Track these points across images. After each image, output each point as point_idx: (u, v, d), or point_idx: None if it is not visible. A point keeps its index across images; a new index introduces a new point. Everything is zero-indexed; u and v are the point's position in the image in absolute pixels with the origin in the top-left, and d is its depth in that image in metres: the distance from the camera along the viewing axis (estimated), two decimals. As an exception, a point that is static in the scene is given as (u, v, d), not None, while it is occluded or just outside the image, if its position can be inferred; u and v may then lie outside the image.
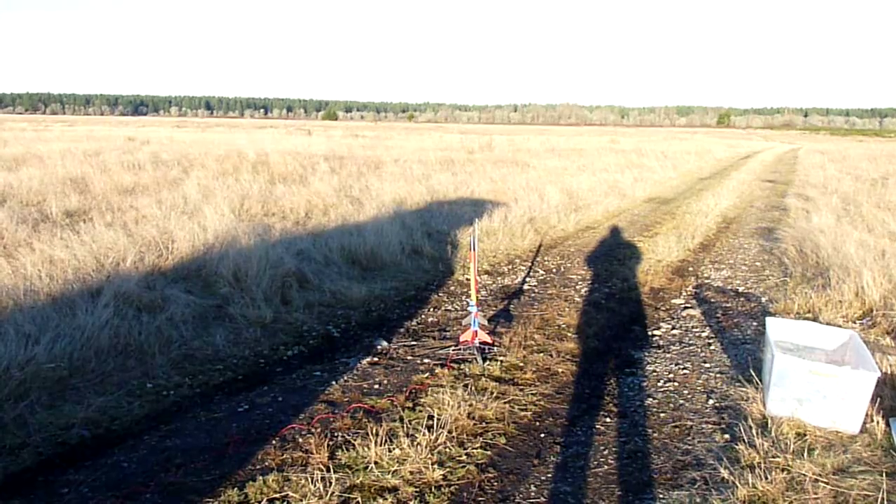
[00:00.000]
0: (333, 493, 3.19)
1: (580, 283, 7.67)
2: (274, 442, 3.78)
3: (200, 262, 6.78)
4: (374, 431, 3.74)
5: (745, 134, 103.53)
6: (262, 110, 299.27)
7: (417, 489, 3.29)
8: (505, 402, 4.33)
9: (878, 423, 3.85)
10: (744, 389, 4.43)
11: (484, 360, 5.04)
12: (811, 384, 3.90)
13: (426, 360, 5.14)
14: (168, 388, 4.49)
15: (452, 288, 7.32)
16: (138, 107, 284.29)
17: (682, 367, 5.12)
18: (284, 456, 3.61)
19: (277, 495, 3.19)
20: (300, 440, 3.80)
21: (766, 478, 3.27)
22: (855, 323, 5.77)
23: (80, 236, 7.32)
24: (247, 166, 16.57)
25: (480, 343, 5.07)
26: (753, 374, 4.57)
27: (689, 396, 4.56)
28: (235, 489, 3.24)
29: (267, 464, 3.53)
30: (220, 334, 5.33)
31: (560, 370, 5.01)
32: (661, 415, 4.29)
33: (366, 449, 3.60)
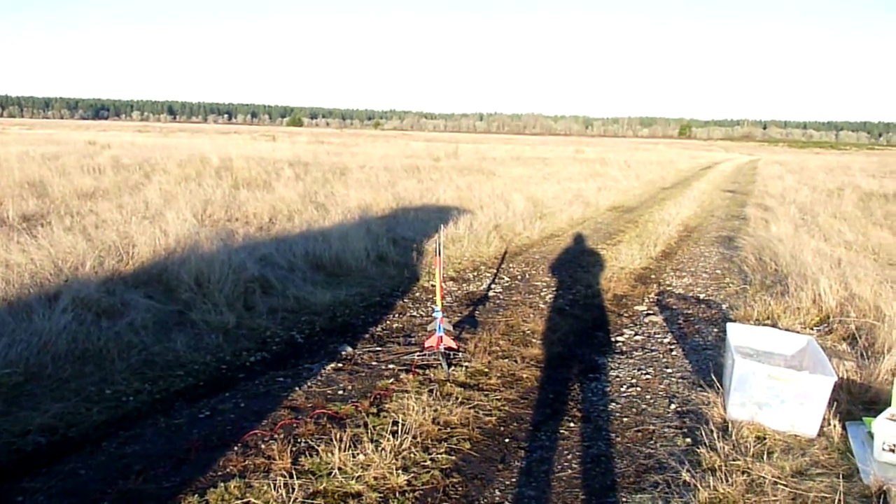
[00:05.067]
0: (296, 498, 3.15)
1: (545, 289, 7.71)
2: (236, 448, 3.73)
3: (162, 267, 6.67)
4: (338, 437, 3.71)
5: (706, 145, 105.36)
6: (225, 115, 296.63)
7: (381, 495, 3.27)
8: (470, 408, 4.32)
9: (834, 426, 3.93)
10: (705, 394, 4.49)
11: (449, 365, 5.04)
12: (770, 388, 3.97)
13: (391, 366, 5.12)
14: (127, 393, 4.40)
15: (418, 294, 7.31)
16: (99, 111, 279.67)
17: (644, 372, 5.17)
18: (246, 462, 3.56)
19: (239, 502, 3.14)
20: (263, 446, 3.75)
21: (727, 480, 3.31)
22: (812, 329, 5.89)
23: (38, 240, 7.16)
24: (210, 171, 16.38)
25: (445, 348, 5.07)
26: (714, 378, 4.63)
27: (652, 401, 4.60)
28: (196, 496, 3.18)
29: (229, 470, 3.48)
30: (182, 340, 5.25)
31: (525, 375, 5.03)
32: (624, 419, 4.33)
33: (329, 455, 3.57)
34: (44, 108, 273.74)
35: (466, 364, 5.14)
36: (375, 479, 3.38)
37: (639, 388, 4.84)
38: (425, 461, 3.62)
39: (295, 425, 4.01)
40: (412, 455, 3.66)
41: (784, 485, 3.31)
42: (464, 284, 7.86)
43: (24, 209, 10.08)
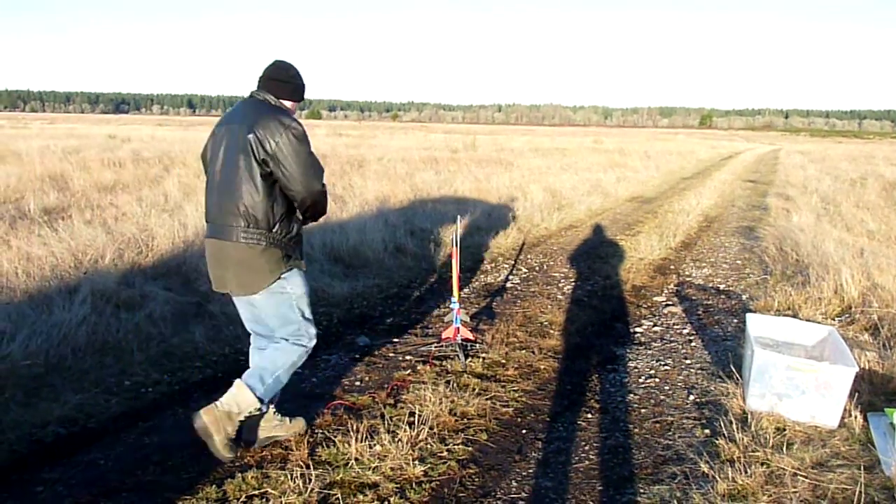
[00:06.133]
0: (313, 489, 3.16)
1: (563, 280, 7.68)
2: (253, 439, 3.74)
3: (180, 260, 6.71)
4: (354, 428, 3.72)
5: (726, 135, 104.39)
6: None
7: (398, 485, 3.27)
8: (487, 399, 4.32)
9: (856, 417, 3.88)
10: (724, 385, 4.44)
11: (466, 356, 5.03)
12: (791, 379, 3.92)
13: (408, 357, 5.12)
14: (146, 385, 4.44)
15: (435, 285, 7.30)
16: (119, 105, 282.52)
17: (663, 363, 5.13)
18: (264, 453, 3.58)
19: (256, 492, 3.16)
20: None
21: (746, 472, 3.28)
22: (834, 320, 5.81)
23: (59, 233, 7.22)
24: (229, 164, 16.41)
25: (462, 340, 5.06)
26: (734, 369, 4.58)
27: (671, 392, 4.57)
28: (214, 486, 3.20)
29: (246, 461, 3.50)
30: (200, 331, 5.28)
31: (542, 367, 5.01)
32: (643, 410, 4.30)
33: (346, 445, 3.58)
34: (65, 103, 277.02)
35: (483, 355, 5.13)
36: (392, 469, 3.39)
37: (657, 379, 4.81)
38: (442, 452, 3.62)
39: (312, 416, 4.02)
40: (429, 446, 3.66)
41: (804, 476, 3.28)
42: (481, 276, 7.85)
43: (45, 202, 10.17)
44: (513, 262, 8.54)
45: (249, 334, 5.39)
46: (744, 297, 6.95)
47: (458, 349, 5.04)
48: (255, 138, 3.27)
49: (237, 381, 3.47)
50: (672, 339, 5.72)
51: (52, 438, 3.70)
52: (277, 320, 3.55)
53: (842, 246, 7.97)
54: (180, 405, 4.20)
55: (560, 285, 7.47)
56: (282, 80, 3.53)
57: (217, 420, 3.34)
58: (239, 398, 3.41)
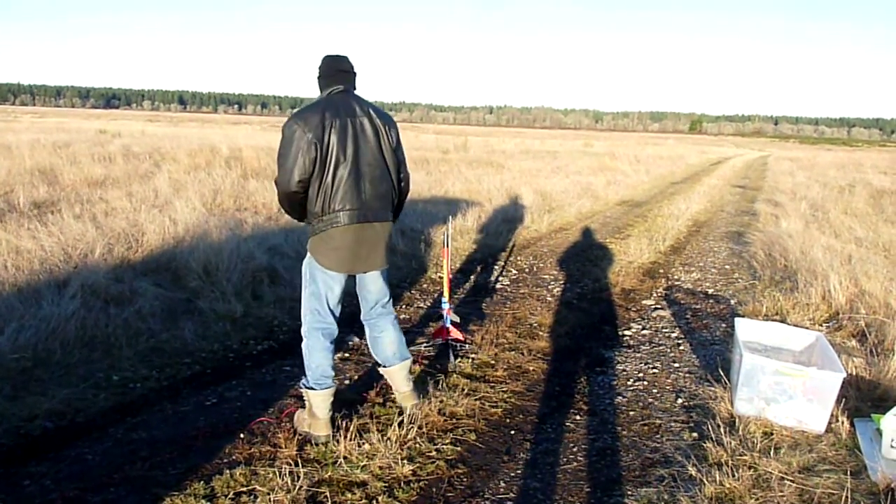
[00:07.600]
0: (301, 487, 3.16)
1: (552, 282, 7.70)
2: (242, 436, 3.73)
3: (170, 256, 6.69)
4: (343, 426, 3.72)
5: (716, 140, 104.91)
6: (235, 106, 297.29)
7: (386, 484, 3.27)
8: (476, 399, 4.32)
9: (843, 423, 3.90)
10: (712, 389, 4.47)
11: (455, 357, 5.03)
12: (778, 384, 3.95)
13: (398, 357, 5.11)
14: (135, 380, 4.42)
15: (425, 286, 7.30)
16: (110, 100, 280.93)
17: (651, 366, 5.15)
18: (252, 450, 3.57)
19: (244, 489, 3.15)
20: (268, 434, 3.76)
21: (734, 475, 3.30)
22: (822, 325, 5.85)
23: (48, 227, 7.18)
24: (219, 161, 16.36)
25: (452, 340, 5.06)
26: (722, 373, 4.61)
27: (659, 395, 4.59)
28: (202, 483, 3.19)
29: (234, 457, 3.49)
30: (189, 328, 5.26)
31: (531, 368, 5.02)
32: (631, 413, 4.32)
33: (335, 443, 3.58)
34: (55, 97, 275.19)
35: (473, 356, 5.14)
36: (381, 468, 3.39)
37: (646, 382, 4.83)
38: (430, 452, 3.62)
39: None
40: (417, 445, 3.66)
41: (791, 480, 3.30)
42: (471, 276, 7.85)
43: (35, 196, 10.11)
44: (503, 264, 8.55)
45: (239, 330, 5.41)
46: (732, 301, 6.99)
47: (448, 349, 5.04)
48: (389, 130, 3.76)
49: (391, 369, 4.07)
50: (660, 342, 5.75)
51: (39, 432, 3.68)
52: (386, 285, 4.29)
53: (830, 252, 8.03)
54: (169, 401, 4.19)
55: (549, 287, 7.48)
56: (354, 73, 3.87)
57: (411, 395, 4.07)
58: (405, 371, 4.07)
